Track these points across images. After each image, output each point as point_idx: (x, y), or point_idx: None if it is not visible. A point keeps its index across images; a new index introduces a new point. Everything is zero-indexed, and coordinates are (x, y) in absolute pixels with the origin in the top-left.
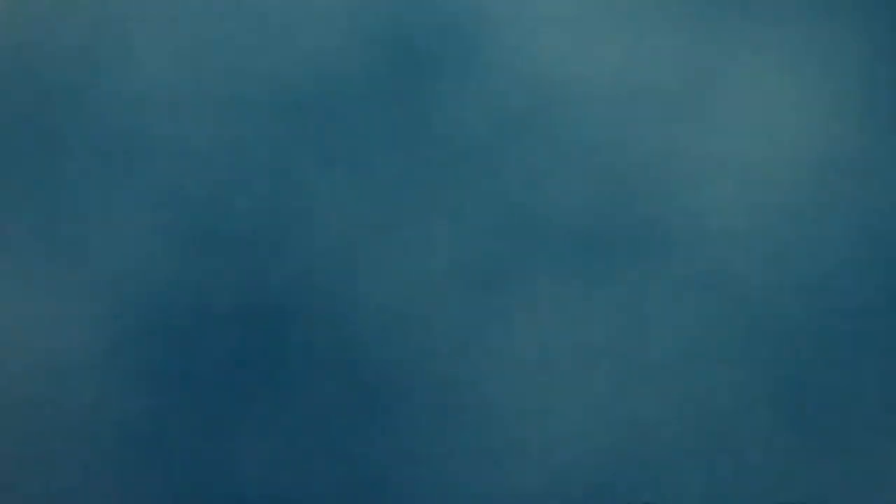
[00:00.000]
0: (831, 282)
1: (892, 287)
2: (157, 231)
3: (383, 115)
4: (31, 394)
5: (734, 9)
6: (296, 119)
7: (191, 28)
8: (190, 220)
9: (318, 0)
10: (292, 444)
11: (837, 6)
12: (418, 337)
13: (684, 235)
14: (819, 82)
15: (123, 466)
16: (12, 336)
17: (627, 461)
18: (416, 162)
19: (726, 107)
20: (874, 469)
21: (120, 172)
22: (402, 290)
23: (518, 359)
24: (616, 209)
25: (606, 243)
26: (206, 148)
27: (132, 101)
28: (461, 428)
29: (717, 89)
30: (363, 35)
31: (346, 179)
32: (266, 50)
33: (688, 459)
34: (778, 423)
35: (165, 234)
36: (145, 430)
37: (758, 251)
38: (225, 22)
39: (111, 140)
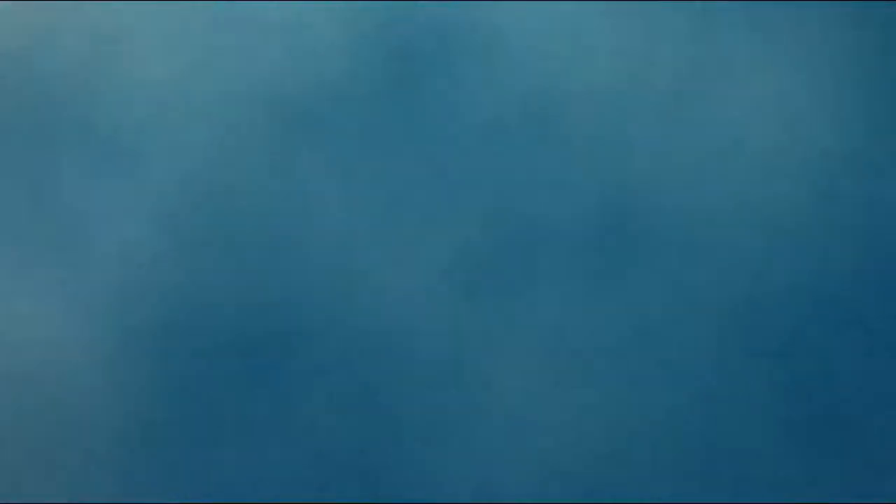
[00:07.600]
0: (834, 283)
1: (893, 288)
2: (157, 232)
3: (383, 119)
4: (32, 393)
5: (734, 10)
6: (295, 123)
7: (191, 32)
8: (190, 222)
9: (318, 4)
10: (293, 444)
11: (837, 6)
12: (418, 337)
13: (684, 236)
14: (819, 82)
15: (125, 466)
16: (12, 335)
17: (625, 463)
18: (416, 165)
19: (727, 108)
20: (875, 472)
21: (121, 174)
22: (402, 293)
23: (518, 361)
24: (616, 211)
25: (606, 245)
26: (206, 150)
27: (133, 102)
28: (461, 431)
29: (716, 91)
30: (363, 40)
31: (346, 183)
32: (266, 54)
33: (687, 461)
34: (780, 424)
35: (166, 235)
36: (146, 429)
37: (759, 251)
38: (225, 24)
39: (113, 141)
